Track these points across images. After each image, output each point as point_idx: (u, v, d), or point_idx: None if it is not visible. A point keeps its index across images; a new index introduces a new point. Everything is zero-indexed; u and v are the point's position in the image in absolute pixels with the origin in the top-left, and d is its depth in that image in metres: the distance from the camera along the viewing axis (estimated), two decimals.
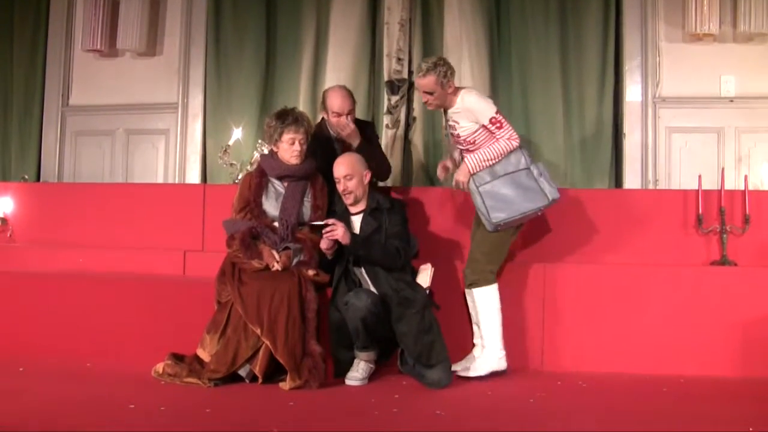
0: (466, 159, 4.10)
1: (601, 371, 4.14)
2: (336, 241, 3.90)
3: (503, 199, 4.03)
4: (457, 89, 4.14)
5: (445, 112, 4.22)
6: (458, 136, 4.15)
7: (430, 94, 4.09)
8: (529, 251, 4.56)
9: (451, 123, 4.18)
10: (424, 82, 4.06)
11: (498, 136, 4.04)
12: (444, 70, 4.04)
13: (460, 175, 4.11)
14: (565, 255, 4.66)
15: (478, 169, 4.06)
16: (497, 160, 4.05)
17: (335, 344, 3.94)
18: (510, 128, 4.07)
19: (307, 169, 4.19)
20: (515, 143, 4.06)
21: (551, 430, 3.12)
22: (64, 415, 3.15)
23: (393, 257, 3.92)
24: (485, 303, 4.06)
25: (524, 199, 4.03)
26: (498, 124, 4.04)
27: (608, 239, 4.67)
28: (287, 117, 4.14)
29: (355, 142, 4.34)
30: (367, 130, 4.58)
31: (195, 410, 3.28)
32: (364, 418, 3.25)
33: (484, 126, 4.05)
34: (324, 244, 3.92)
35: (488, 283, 4.07)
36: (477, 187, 4.07)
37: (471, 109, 4.07)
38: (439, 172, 4.40)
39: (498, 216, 4.01)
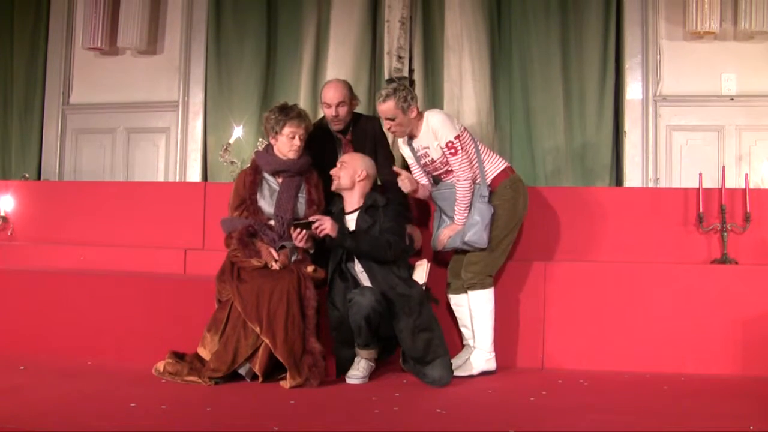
0: (455, 218, 4.04)
1: (602, 369, 4.14)
2: (311, 236, 3.94)
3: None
4: (421, 114, 4.10)
5: (411, 141, 4.16)
6: (433, 161, 4.11)
7: (392, 120, 4.04)
8: (530, 249, 4.55)
9: (421, 153, 4.14)
10: (384, 107, 4.02)
11: (452, 167, 4.00)
12: (404, 94, 4.00)
13: (451, 231, 4.08)
14: (565, 253, 4.65)
15: (464, 218, 4.01)
16: (470, 199, 4.01)
17: (335, 342, 3.94)
18: (463, 159, 3.97)
19: (303, 165, 4.17)
20: (468, 175, 3.97)
21: (552, 428, 3.11)
22: (65, 413, 3.15)
23: (382, 249, 3.89)
24: (480, 306, 4.05)
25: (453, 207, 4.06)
26: (452, 150, 3.98)
27: (609, 237, 4.67)
28: (291, 111, 4.13)
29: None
30: (375, 126, 4.58)
31: (196, 409, 3.28)
32: (365, 416, 3.24)
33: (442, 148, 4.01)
34: (300, 243, 3.93)
35: (484, 286, 4.05)
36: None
37: (434, 129, 4.02)
38: (406, 184, 4.16)
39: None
